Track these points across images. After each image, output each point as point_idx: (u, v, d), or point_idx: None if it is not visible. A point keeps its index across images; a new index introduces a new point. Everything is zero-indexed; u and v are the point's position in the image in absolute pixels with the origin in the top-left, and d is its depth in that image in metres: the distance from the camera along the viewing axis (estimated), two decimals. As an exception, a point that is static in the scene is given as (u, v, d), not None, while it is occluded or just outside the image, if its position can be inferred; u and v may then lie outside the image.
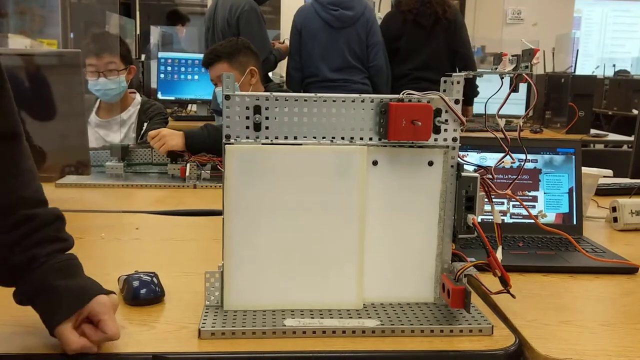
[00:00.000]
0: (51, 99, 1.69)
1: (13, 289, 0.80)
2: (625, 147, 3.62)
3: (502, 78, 0.90)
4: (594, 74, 4.70)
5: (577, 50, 5.00)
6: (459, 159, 0.91)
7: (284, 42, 3.49)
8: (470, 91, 3.33)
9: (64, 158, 1.79)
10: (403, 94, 0.87)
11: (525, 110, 3.85)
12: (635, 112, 4.66)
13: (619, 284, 1.08)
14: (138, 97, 2.46)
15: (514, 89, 0.87)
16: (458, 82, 0.90)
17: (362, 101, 0.88)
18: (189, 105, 4.13)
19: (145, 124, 2.36)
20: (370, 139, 0.89)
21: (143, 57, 4.55)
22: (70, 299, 0.78)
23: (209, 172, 1.94)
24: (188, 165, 1.90)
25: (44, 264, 0.80)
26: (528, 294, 1.01)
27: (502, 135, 0.91)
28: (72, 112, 1.78)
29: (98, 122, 2.36)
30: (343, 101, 0.88)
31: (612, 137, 3.75)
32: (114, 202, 1.70)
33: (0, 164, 0.81)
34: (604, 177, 1.51)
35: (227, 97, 0.86)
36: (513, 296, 0.89)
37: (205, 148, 1.96)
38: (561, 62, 5.51)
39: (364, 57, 3.27)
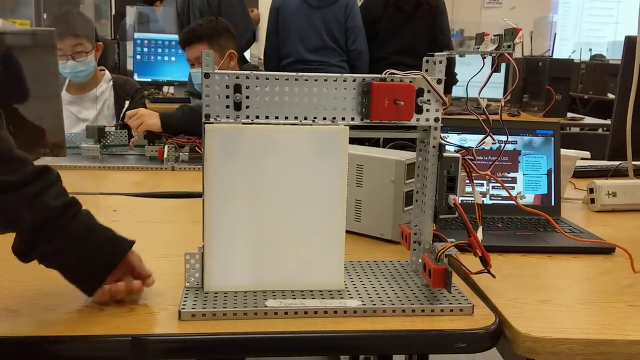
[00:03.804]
0: (24, 80, 1.65)
1: None
2: (600, 130, 3.67)
3: (484, 58, 0.90)
4: (571, 58, 4.73)
5: (555, 34, 5.02)
6: (440, 139, 0.90)
7: (253, 11, 3.45)
8: (448, 79, 3.34)
9: (39, 140, 1.75)
10: (385, 73, 0.87)
11: (504, 93, 3.87)
12: (610, 96, 4.71)
13: (596, 264, 1.09)
14: (107, 74, 2.41)
15: (496, 68, 0.87)
16: (440, 62, 0.89)
17: (344, 81, 0.87)
18: (166, 87, 4.08)
19: (127, 102, 2.31)
20: (352, 119, 0.88)
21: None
22: (116, 247, 0.84)
23: (187, 154, 1.92)
24: (166, 147, 1.87)
25: (79, 212, 0.81)
26: (508, 273, 1.02)
27: (484, 116, 0.91)
28: (47, 93, 1.74)
29: (70, 100, 2.31)
30: (325, 80, 0.86)
31: (588, 120, 3.80)
32: (90, 184, 1.67)
33: None
34: (582, 159, 1.53)
35: (206, 76, 0.84)
36: (493, 276, 0.90)
37: (182, 129, 1.94)
38: (539, 46, 5.55)
39: (342, 40, 3.25)
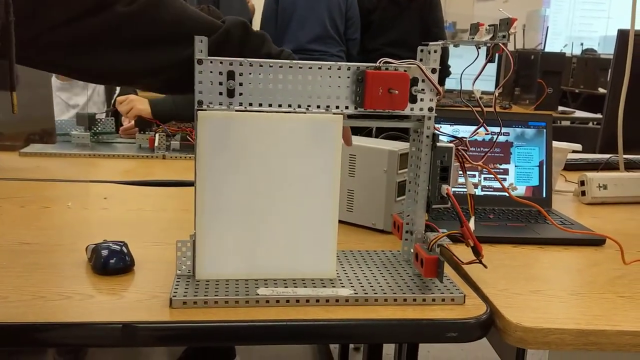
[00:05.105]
0: (13, 65, 1.63)
1: None
2: (591, 124, 3.69)
3: (478, 48, 0.90)
4: (563, 52, 4.74)
5: (547, 28, 5.03)
6: (434, 129, 0.90)
7: (249, 2, 3.45)
8: (441, 71, 3.34)
9: (28, 127, 1.73)
10: (380, 62, 0.86)
11: (496, 86, 3.88)
12: (601, 90, 4.73)
13: (587, 255, 1.10)
14: None
15: (490, 58, 0.87)
16: (435, 51, 0.89)
17: (339, 69, 0.86)
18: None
19: (118, 88, 2.30)
20: (347, 107, 0.88)
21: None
22: None
23: (178, 142, 1.91)
24: (157, 135, 1.86)
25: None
26: (499, 264, 1.02)
27: (477, 107, 0.91)
28: (36, 80, 1.73)
29: (59, 86, 2.29)
30: (319, 68, 0.86)
31: (579, 114, 3.82)
32: (80, 171, 1.66)
33: None
34: (573, 151, 1.53)
35: (199, 62, 0.83)
36: (485, 266, 0.90)
37: (172, 115, 1.93)
38: (531, 40, 5.56)
39: (342, 29, 3.25)
